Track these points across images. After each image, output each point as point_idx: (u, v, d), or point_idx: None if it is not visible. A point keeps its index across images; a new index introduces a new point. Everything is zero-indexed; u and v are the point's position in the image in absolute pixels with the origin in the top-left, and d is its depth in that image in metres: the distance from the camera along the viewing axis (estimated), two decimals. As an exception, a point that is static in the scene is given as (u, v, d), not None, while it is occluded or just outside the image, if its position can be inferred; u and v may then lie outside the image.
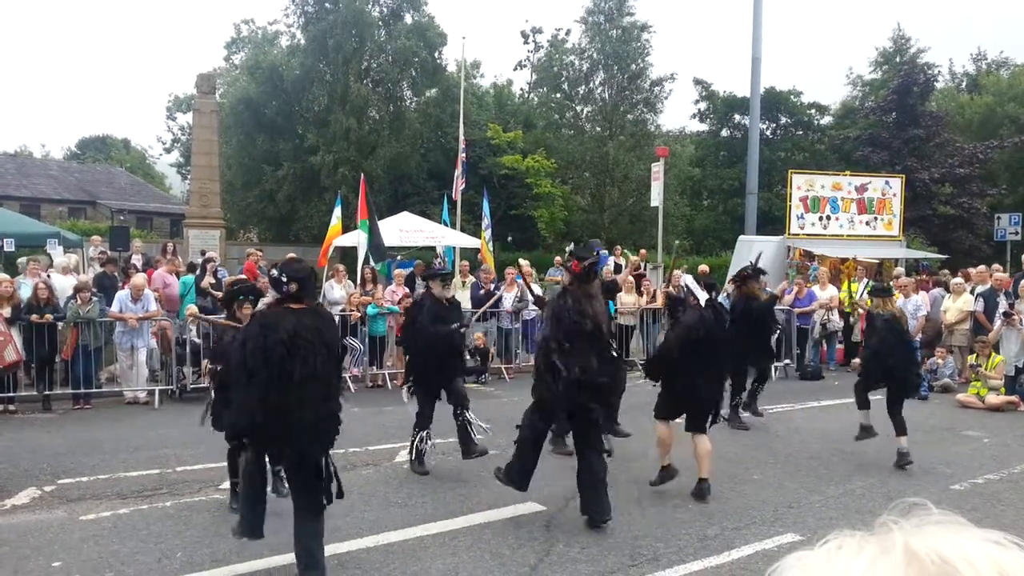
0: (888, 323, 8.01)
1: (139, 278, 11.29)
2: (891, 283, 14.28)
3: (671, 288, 11.72)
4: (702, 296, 6.85)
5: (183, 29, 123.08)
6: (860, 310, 10.00)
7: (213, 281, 12.69)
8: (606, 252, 11.31)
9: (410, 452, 7.40)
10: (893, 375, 7.97)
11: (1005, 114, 33.55)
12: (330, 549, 5.34)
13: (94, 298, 10.76)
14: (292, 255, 14.35)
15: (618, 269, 17.53)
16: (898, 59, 35.70)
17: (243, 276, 12.76)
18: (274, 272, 5.16)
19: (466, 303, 13.45)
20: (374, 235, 13.65)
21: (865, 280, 14.71)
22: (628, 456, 8.15)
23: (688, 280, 7.28)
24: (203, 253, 16.49)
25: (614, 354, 6.35)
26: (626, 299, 13.69)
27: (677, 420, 6.96)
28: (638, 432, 9.18)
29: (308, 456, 4.80)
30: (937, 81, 34.83)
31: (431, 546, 5.59)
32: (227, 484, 6.81)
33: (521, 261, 13.11)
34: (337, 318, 12.40)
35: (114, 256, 15.05)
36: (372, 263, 13.53)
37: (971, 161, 29.21)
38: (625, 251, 19.56)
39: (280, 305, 4.96)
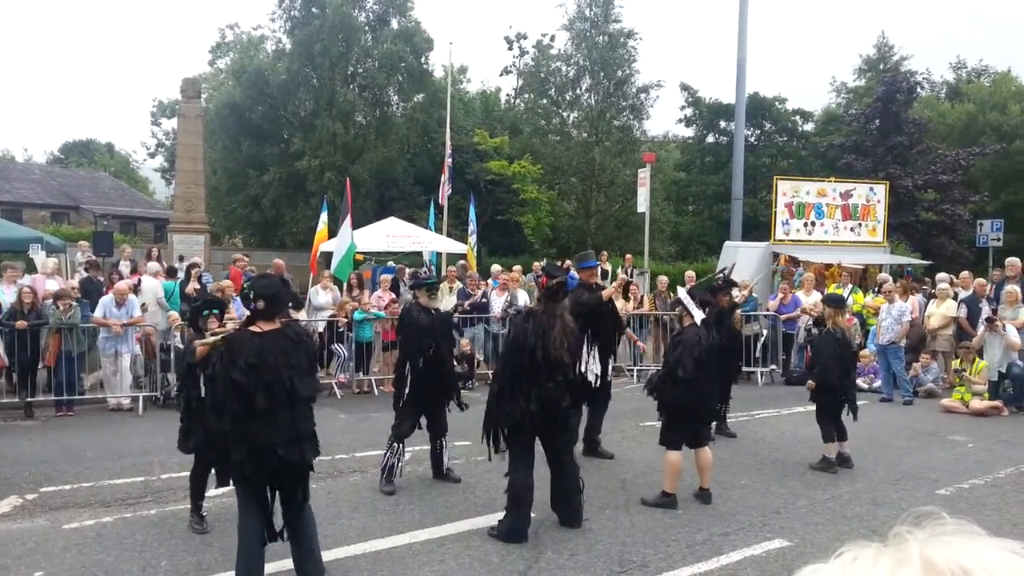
0: (837, 340, 7.88)
1: (123, 283, 11.19)
2: (876, 288, 14.41)
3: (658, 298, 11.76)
4: (697, 315, 6.79)
5: (168, 34, 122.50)
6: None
7: (198, 287, 12.60)
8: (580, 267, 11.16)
9: (382, 468, 7.04)
10: (837, 394, 7.98)
11: (987, 122, 33.91)
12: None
13: (74, 304, 10.66)
14: (278, 262, 14.36)
15: (604, 275, 17.58)
16: (882, 66, 36.02)
17: (227, 282, 12.72)
18: (245, 286, 5.00)
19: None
20: (339, 240, 13.63)
21: (850, 286, 14.81)
22: (616, 463, 8.15)
23: (683, 295, 7.01)
24: (181, 259, 16.39)
25: (582, 375, 6.42)
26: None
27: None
28: (624, 438, 9.20)
29: (287, 477, 4.72)
30: (923, 88, 35.16)
31: (419, 553, 5.56)
32: (211, 492, 6.76)
33: (515, 268, 13.09)
34: (323, 324, 12.37)
35: (97, 261, 14.93)
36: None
37: (953, 168, 29.49)
38: (612, 257, 19.61)
39: (248, 325, 4.77)
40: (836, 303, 8.32)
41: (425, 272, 15.05)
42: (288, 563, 5.07)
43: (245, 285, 5.03)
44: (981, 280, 13.45)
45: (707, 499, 6.74)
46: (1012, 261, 12.90)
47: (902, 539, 0.72)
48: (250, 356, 4.54)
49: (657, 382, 6.88)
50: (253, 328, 4.71)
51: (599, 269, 8.85)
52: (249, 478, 4.68)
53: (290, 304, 12.25)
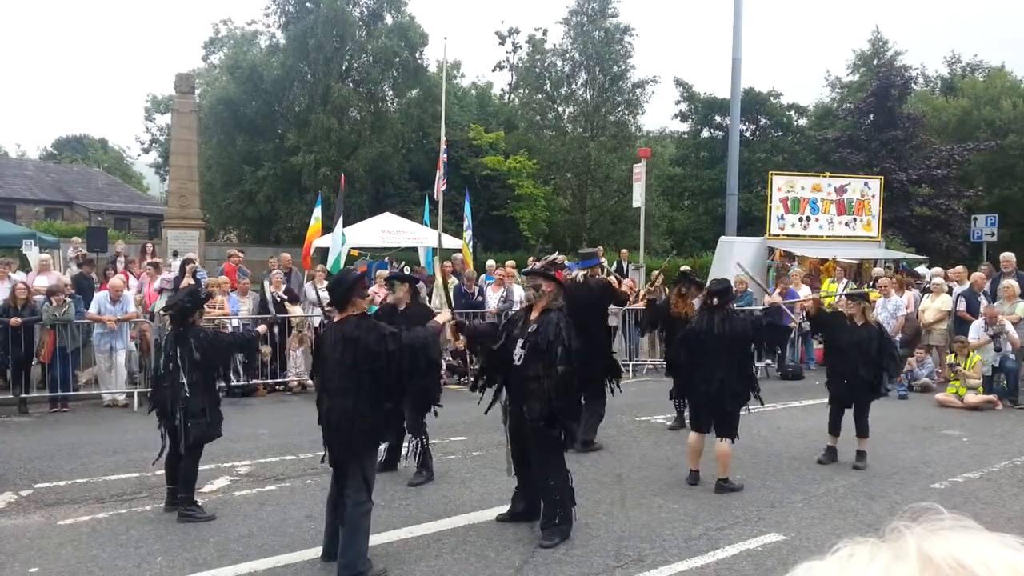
0: (860, 331, 7.87)
1: (117, 279, 11.16)
2: (870, 283, 14.43)
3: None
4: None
5: (161, 29, 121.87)
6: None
7: (192, 282, 12.56)
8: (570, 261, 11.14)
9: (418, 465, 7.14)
10: (855, 392, 7.96)
11: (981, 117, 33.96)
12: (314, 552, 5.32)
13: (68, 300, 10.62)
14: (285, 255, 14.34)
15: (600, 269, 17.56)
16: (876, 61, 36.07)
17: (224, 278, 12.70)
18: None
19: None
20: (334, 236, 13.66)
21: (844, 281, 14.84)
22: (612, 457, 8.16)
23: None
24: (175, 254, 16.34)
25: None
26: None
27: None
28: (620, 432, 9.21)
29: (335, 457, 5.07)
30: (916, 83, 35.19)
31: (415, 548, 5.56)
32: (208, 487, 6.77)
33: (508, 263, 13.08)
34: (317, 320, 12.33)
35: (91, 257, 14.87)
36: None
37: (948, 163, 29.54)
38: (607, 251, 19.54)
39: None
40: (859, 298, 8.26)
41: (399, 268, 15.02)
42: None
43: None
44: (979, 274, 13.46)
45: (719, 488, 6.88)
46: (1007, 256, 12.93)
47: (899, 534, 0.72)
48: (322, 342, 5.31)
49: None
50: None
51: (600, 267, 8.83)
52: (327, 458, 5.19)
53: (296, 298, 12.29)
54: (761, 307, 14.10)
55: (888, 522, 0.76)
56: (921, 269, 17.60)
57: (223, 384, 6.56)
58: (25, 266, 13.86)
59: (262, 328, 7.42)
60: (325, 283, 13.14)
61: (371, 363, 4.90)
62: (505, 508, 6.18)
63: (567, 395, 5.65)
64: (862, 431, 7.94)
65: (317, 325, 12.29)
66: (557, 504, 5.69)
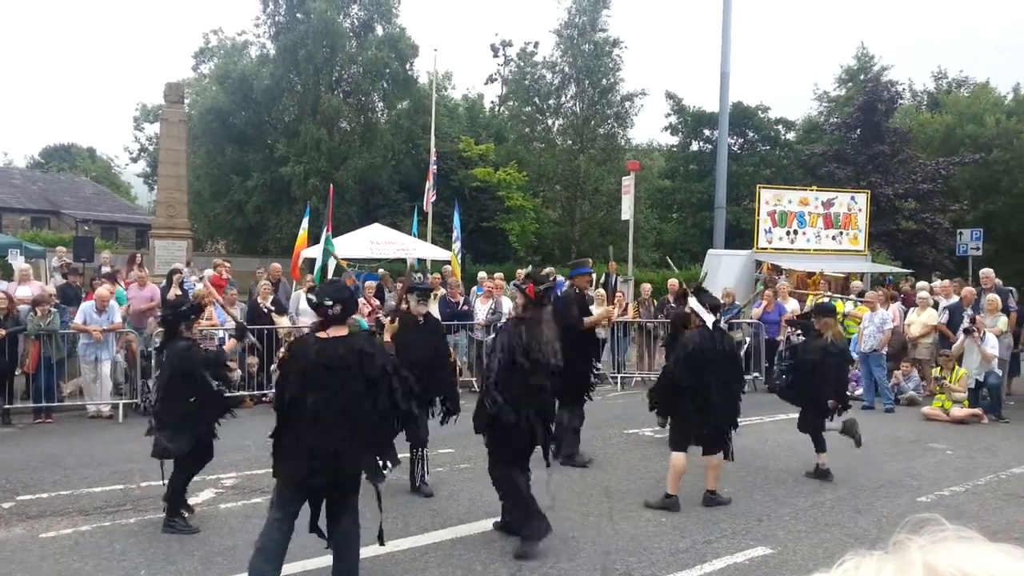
0: (825, 350, 7.89)
1: (104, 289, 11.08)
2: (853, 297, 14.50)
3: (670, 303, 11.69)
4: (708, 318, 6.86)
5: (151, 38, 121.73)
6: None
7: (179, 293, 12.49)
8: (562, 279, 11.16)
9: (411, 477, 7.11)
10: (816, 404, 7.96)
11: (965, 133, 34.30)
12: (299, 566, 5.28)
13: (53, 310, 10.54)
14: (276, 265, 14.26)
15: (592, 282, 17.56)
16: (862, 77, 36.41)
17: (211, 288, 12.62)
18: (311, 297, 4.95)
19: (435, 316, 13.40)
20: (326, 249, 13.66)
21: (829, 294, 14.91)
22: (600, 470, 8.14)
23: (694, 304, 7.06)
24: (189, 264, 16.27)
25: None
26: (597, 311, 13.69)
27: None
28: (607, 445, 9.20)
29: (329, 490, 4.72)
30: (902, 99, 35.54)
31: (401, 562, 5.53)
32: (193, 500, 6.71)
33: (496, 275, 13.08)
34: (306, 331, 12.28)
35: (76, 267, 14.75)
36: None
37: (933, 177, 29.80)
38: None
39: (316, 331, 4.79)
40: (826, 312, 8.31)
41: (419, 278, 15.02)
42: (303, 564, 5.02)
43: (311, 295, 5.01)
44: (970, 288, 13.54)
45: (707, 501, 6.84)
46: (986, 272, 13.04)
47: (903, 547, 0.72)
48: (309, 360, 4.60)
49: (656, 391, 7.08)
50: (320, 334, 4.72)
51: (592, 276, 8.88)
52: (297, 486, 4.72)
53: (284, 309, 12.25)
54: (749, 320, 14.20)
55: (890, 534, 0.76)
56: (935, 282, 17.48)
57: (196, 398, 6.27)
58: (8, 276, 13.73)
59: (228, 345, 7.33)
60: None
61: (388, 383, 4.63)
62: (496, 520, 6.17)
63: (486, 402, 5.74)
64: (819, 446, 7.93)
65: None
66: (514, 511, 5.76)
